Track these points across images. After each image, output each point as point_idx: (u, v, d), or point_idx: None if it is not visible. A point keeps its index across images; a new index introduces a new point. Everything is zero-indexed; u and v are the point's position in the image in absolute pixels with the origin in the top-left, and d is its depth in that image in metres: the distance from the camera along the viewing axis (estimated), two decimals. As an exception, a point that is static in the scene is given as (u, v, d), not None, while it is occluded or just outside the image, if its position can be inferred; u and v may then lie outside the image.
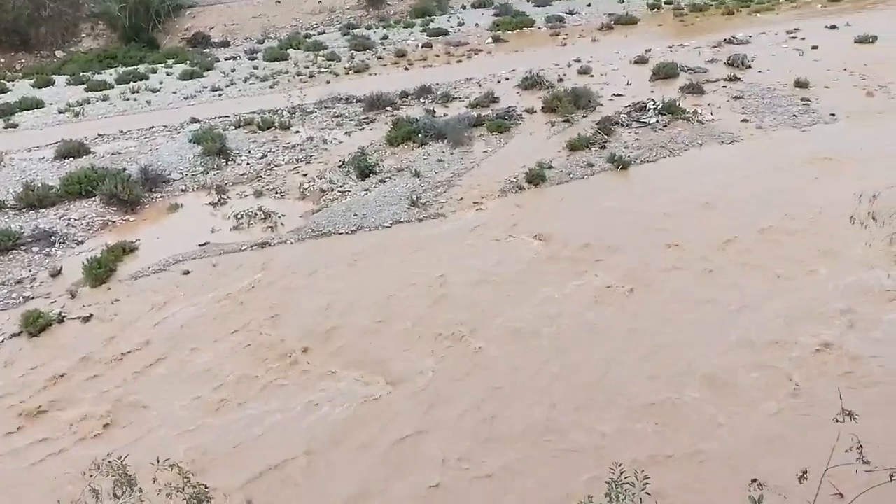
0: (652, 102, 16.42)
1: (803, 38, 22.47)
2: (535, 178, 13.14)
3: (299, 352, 8.47)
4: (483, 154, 14.87)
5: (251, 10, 35.35)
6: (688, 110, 15.93)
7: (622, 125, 15.64)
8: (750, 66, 19.42)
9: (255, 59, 27.37)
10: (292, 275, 10.41)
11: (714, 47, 22.26)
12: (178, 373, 8.29)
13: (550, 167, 13.62)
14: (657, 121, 15.60)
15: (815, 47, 21.13)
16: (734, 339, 8.06)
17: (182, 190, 14.08)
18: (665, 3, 32.74)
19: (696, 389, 7.30)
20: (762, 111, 15.88)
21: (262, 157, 15.40)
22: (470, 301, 9.34)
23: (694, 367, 7.65)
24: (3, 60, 31.69)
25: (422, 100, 19.21)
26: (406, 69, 24.39)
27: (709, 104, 16.56)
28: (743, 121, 15.45)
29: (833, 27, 23.86)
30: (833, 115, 15.28)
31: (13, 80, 26.94)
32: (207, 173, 14.65)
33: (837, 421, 4.41)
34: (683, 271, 9.65)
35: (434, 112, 17.81)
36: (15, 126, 20.17)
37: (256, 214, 12.36)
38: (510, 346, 8.34)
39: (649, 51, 22.31)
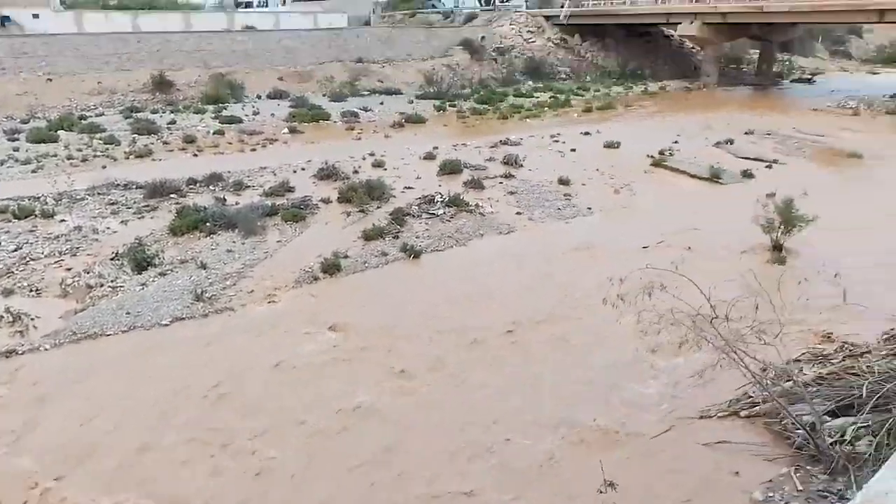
0: (439, 196, 17.59)
1: (564, 142, 25.86)
2: (331, 267, 13.18)
3: (49, 481, 7.28)
4: (277, 244, 14.64)
5: (15, 87, 31.93)
6: (471, 203, 17.29)
7: (414, 216, 16.46)
8: (522, 165, 21.79)
9: (17, 139, 24.54)
10: (46, 386, 9.08)
11: (492, 147, 24.68)
12: None
13: (346, 256, 13.78)
14: (444, 212, 16.68)
15: (573, 150, 24.40)
16: (517, 416, 8.55)
17: None
18: (450, 106, 35.81)
19: (473, 465, 7.56)
20: (533, 205, 17.77)
21: (15, 250, 13.58)
22: (258, 402, 8.85)
23: (470, 448, 7.94)
24: None
25: (212, 187, 18.59)
26: (195, 155, 23.56)
27: (488, 198, 18.15)
28: (517, 213, 17.12)
29: (587, 133, 27.83)
30: (590, 208, 17.58)
31: None
32: (-60, 270, 12.53)
33: (601, 492, 4.83)
34: (470, 357, 10.13)
35: (225, 200, 17.28)
36: None
37: (2, 317, 10.73)
38: (302, 452, 7.95)
39: (436, 148, 24.04)
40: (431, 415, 8.67)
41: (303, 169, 20.99)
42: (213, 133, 27.04)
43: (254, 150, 24.81)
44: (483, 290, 12.51)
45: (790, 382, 8.50)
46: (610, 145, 25.00)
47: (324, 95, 36.92)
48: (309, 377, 9.49)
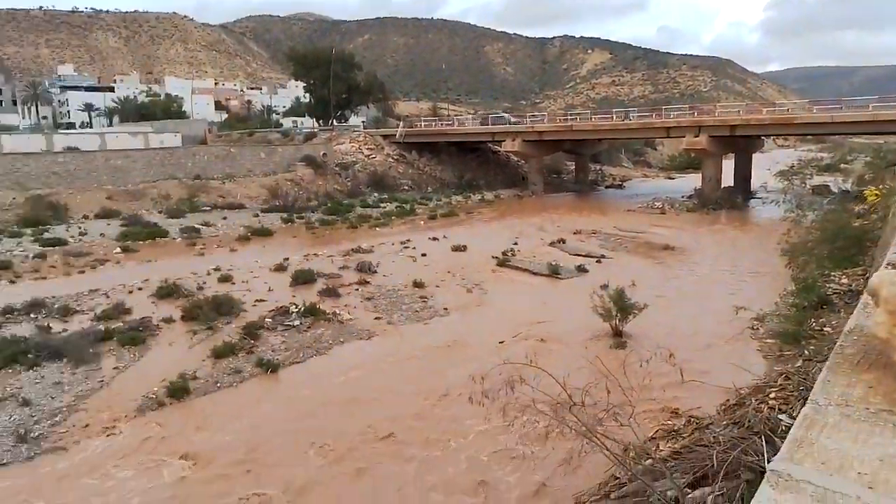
0: (294, 306, 17.20)
1: (414, 248, 26.78)
2: (178, 391, 12.16)
3: None
4: (114, 371, 13.32)
5: None
6: (328, 312, 17.07)
7: (268, 329, 15.86)
8: (376, 271, 22.13)
9: None
10: None
11: (344, 255, 24.89)
12: None
13: (195, 378, 12.83)
14: (301, 323, 16.28)
15: (424, 255, 25.30)
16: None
17: None
18: (297, 218, 35.88)
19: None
20: (390, 309, 17.95)
21: None
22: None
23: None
24: None
25: (33, 315, 16.72)
26: (12, 282, 21.21)
27: (345, 305, 18.06)
28: (376, 318, 17.16)
29: (435, 238, 29.10)
30: (446, 308, 18.09)
31: None
32: None
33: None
34: (336, 469, 9.65)
35: (49, 328, 15.58)
36: None
37: None
38: None
39: (287, 259, 23.76)
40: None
41: (139, 289, 19.65)
42: (34, 257, 24.64)
43: (82, 272, 22.85)
44: (348, 397, 12.17)
45: (650, 460, 9.04)
46: (457, 248, 26.27)
47: (160, 212, 35.41)
48: (162, 513, 8.48)
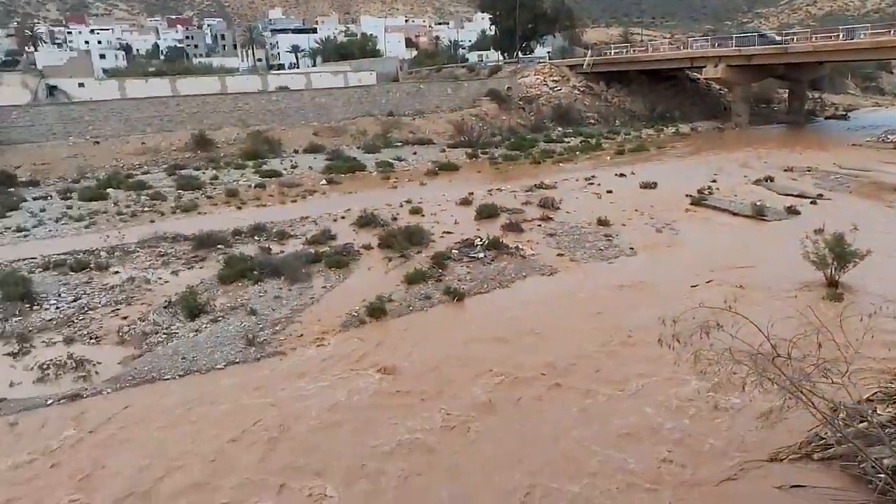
0: (479, 239, 17.70)
1: (599, 184, 25.97)
2: (376, 311, 13.26)
3: (115, 521, 7.32)
4: (322, 290, 14.81)
5: (65, 150, 33.43)
6: (511, 246, 17.34)
7: (454, 259, 16.55)
8: (559, 208, 21.89)
9: (70, 198, 25.59)
10: (109, 429, 9.21)
11: (527, 191, 24.89)
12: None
13: (390, 300, 13.85)
14: (485, 255, 16.74)
15: (609, 191, 24.46)
16: (571, 461, 8.36)
17: (-28, 341, 12.21)
18: (481, 153, 36.39)
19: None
20: (573, 246, 17.75)
21: (74, 301, 13.98)
22: (314, 443, 8.84)
23: (520, 492, 7.76)
24: None
25: (256, 238, 19.01)
26: (238, 208, 24.18)
27: (528, 240, 18.20)
28: (558, 255, 17.09)
29: (622, 175, 27.92)
30: (632, 248, 17.46)
31: None
32: (7, 321, 12.93)
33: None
34: (519, 399, 9.95)
35: (270, 249, 17.63)
36: None
37: (66, 364, 11.00)
38: (357, 489, 7.90)
39: (472, 194, 24.34)
40: (481, 455, 8.52)
41: (342, 217, 21.38)
42: (255, 187, 27.84)
43: (294, 201, 25.40)
44: (530, 331, 12.40)
45: (865, 423, 8.14)
46: (646, 186, 25.01)
47: (358, 148, 37.88)
48: (362, 418, 9.45)
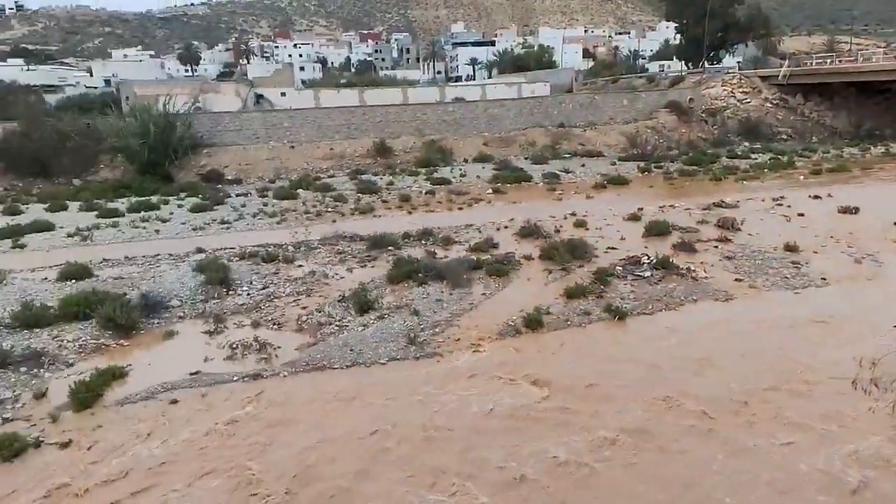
0: (646, 257, 16.93)
1: (789, 206, 23.67)
2: (533, 322, 13.21)
3: (281, 494, 8.00)
4: (481, 296, 15.05)
5: (265, 153, 37.37)
6: (681, 267, 16.37)
7: (618, 276, 15.99)
8: (740, 229, 20.27)
9: (266, 196, 28.57)
10: (283, 409, 10.11)
11: (704, 209, 23.38)
12: (153, 509, 7.78)
13: (548, 313, 13.73)
14: (652, 275, 15.97)
15: (801, 214, 22.20)
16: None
17: (180, 317, 14.07)
18: (655, 167, 34.84)
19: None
20: (754, 271, 16.32)
21: (263, 289, 15.56)
22: (466, 446, 9.00)
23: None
24: (21, 184, 32.89)
25: (423, 242, 19.82)
26: (409, 213, 25.39)
27: (701, 262, 17.07)
28: (736, 279, 15.82)
29: (816, 197, 25.22)
30: (824, 278, 15.68)
31: (27, 204, 27.83)
32: (207, 302, 14.73)
33: None
34: (684, 429, 9.40)
35: (435, 254, 18.30)
36: (22, 247, 20.54)
37: (252, 345, 12.26)
38: (508, 498, 7.92)
39: (641, 209, 23.38)
40: (636, 483, 8.11)
41: (506, 227, 21.59)
42: (425, 193, 29.11)
43: (461, 208, 26.14)
44: (696, 359, 11.61)
45: None
46: (846, 210, 22.36)
47: (525, 158, 38.08)
48: (513, 428, 9.45)
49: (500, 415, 9.83)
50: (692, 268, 16.43)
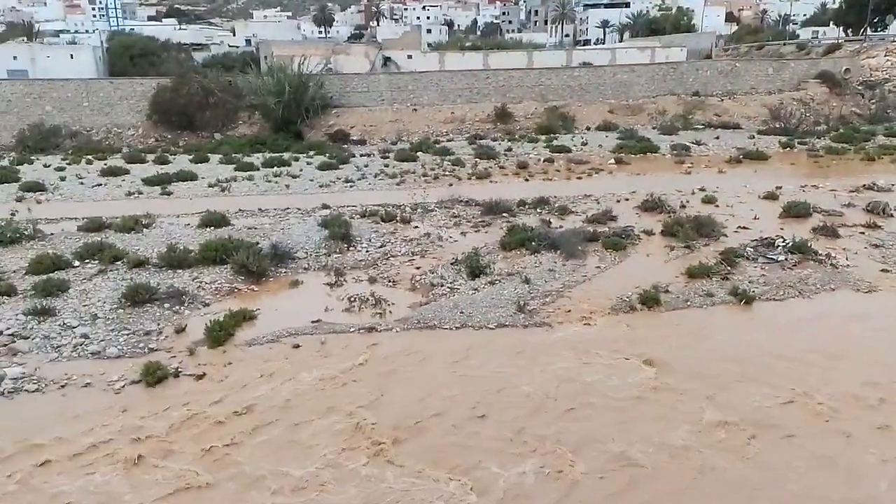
0: (781, 240, 15.75)
1: (955, 192, 21.06)
2: (650, 300, 12.75)
3: (389, 442, 8.38)
4: (596, 269, 14.72)
5: (389, 115, 38.22)
6: (820, 252, 15.11)
7: (747, 259, 15.03)
8: (892, 215, 18.33)
9: (387, 157, 29.32)
10: (393, 362, 10.53)
11: (851, 192, 21.32)
12: (275, 444, 8.42)
13: (667, 291, 13.20)
14: (786, 259, 14.87)
15: (971, 203, 19.69)
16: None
17: (304, 268, 14.91)
18: (799, 143, 32.08)
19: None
20: (907, 262, 14.76)
21: (380, 247, 16.12)
22: (572, 418, 8.96)
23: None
24: (169, 136, 35.90)
25: (538, 210, 19.59)
26: (526, 180, 25.12)
27: (844, 249, 15.65)
28: (882, 270, 14.39)
29: None
30: None
31: (175, 155, 30.36)
32: (329, 256, 15.48)
33: None
34: (807, 424, 8.79)
35: (550, 223, 18.04)
36: (169, 194, 22.53)
37: (368, 300, 12.80)
38: (609, 473, 7.83)
39: (780, 188, 21.70)
40: (751, 475, 7.71)
41: (626, 199, 20.83)
42: (544, 161, 28.62)
43: (579, 178, 25.50)
44: (829, 352, 10.77)
45: None
46: None
47: (653, 128, 36.36)
48: (621, 405, 9.28)
49: (606, 391, 9.66)
50: (832, 254, 15.12)
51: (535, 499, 7.42)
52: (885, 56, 44.52)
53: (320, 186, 23.63)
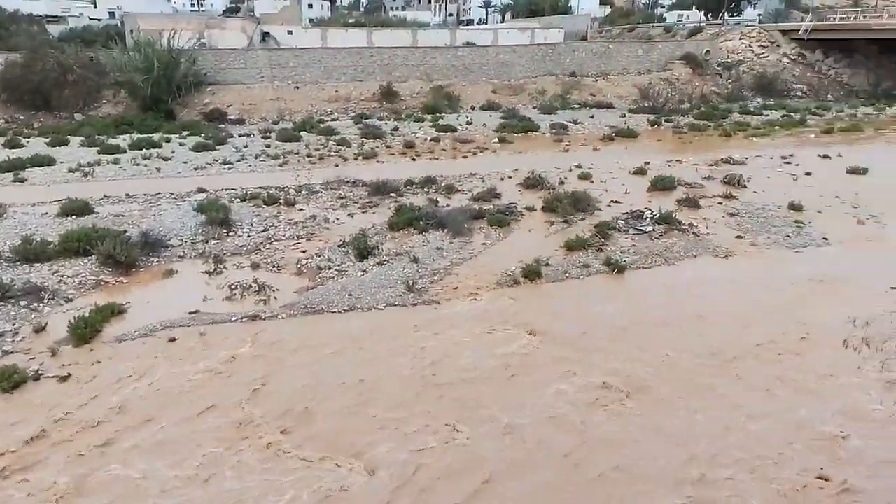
0: (649, 212, 16.83)
1: (797, 164, 23.36)
2: (532, 273, 13.23)
3: (276, 432, 8.19)
4: (482, 246, 15.05)
5: (270, 93, 36.77)
6: (684, 222, 16.29)
7: (619, 231, 15.93)
8: (745, 186, 20.07)
9: (269, 137, 28.24)
10: (279, 350, 10.24)
11: (711, 165, 23.09)
12: (153, 446, 7.96)
13: (547, 264, 13.74)
14: (653, 229, 15.91)
15: (808, 173, 21.93)
16: (723, 457, 7.84)
17: (180, 257, 14.12)
18: (665, 121, 34.26)
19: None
20: (756, 229, 16.24)
21: (263, 231, 15.56)
22: (459, 392, 9.15)
23: (679, 482, 7.40)
24: (22, 117, 32.57)
25: (426, 189, 19.68)
26: (413, 160, 25.14)
27: (704, 218, 16.97)
28: (737, 237, 15.76)
29: (826, 156, 24.86)
30: (826, 238, 15.62)
31: (29, 138, 27.59)
32: (207, 242, 14.75)
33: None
34: (675, 382, 9.51)
35: (437, 202, 18.19)
36: (23, 181, 20.49)
37: (251, 287, 12.34)
38: (499, 442, 8.09)
39: (648, 163, 23.10)
40: (627, 434, 8.26)
41: (510, 177, 21.39)
42: (430, 140, 28.74)
43: (465, 156, 25.86)
44: (693, 314, 11.70)
45: None
46: (854, 171, 22.07)
47: (534, 108, 37.43)
48: (506, 375, 9.59)
49: (492, 362, 9.95)
50: (694, 223, 16.35)
51: (429, 469, 7.53)
52: (740, 39, 48.39)
53: (195, 169, 22.41)
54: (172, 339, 10.48)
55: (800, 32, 47.89)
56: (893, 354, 6.39)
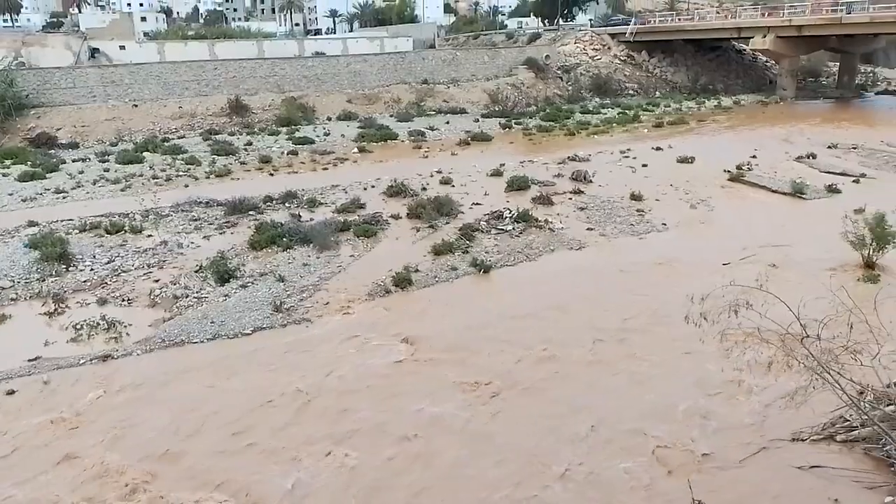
0: (508, 212, 17.55)
1: (635, 158, 25.41)
2: (402, 281, 13.31)
3: (145, 478, 7.57)
4: (350, 258, 14.90)
5: (104, 113, 34.02)
6: (540, 219, 17.16)
7: (482, 231, 16.46)
8: (591, 181, 21.51)
9: (107, 161, 26.12)
10: (137, 390, 9.49)
11: (559, 163, 24.51)
12: (-9, 512, 7.08)
13: (417, 271, 13.88)
14: (513, 228, 16.61)
15: (645, 165, 23.94)
16: (592, 436, 8.34)
17: (12, 299, 12.69)
18: (515, 124, 35.89)
19: (557, 484, 7.40)
20: (604, 221, 17.47)
21: (108, 263, 14.36)
22: (338, 410, 8.98)
23: (553, 464, 7.78)
24: None
25: (287, 205, 19.16)
26: (271, 175, 24.38)
27: (558, 214, 17.98)
28: (588, 229, 16.86)
29: (658, 148, 27.26)
30: (665, 224, 17.13)
31: None
32: (44, 281, 13.36)
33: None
34: (543, 372, 9.97)
35: (300, 217, 17.77)
36: None
37: (99, 325, 11.35)
38: (383, 454, 8.02)
39: (503, 165, 24.07)
40: (503, 428, 8.55)
41: (373, 186, 21.38)
42: (287, 153, 28.00)
43: (325, 168, 25.50)
44: (555, 305, 12.34)
45: (892, 407, 7.98)
46: (683, 160, 24.41)
47: (391, 116, 37.70)
48: (384, 386, 9.56)
49: (371, 375, 9.89)
50: (549, 220, 17.27)
51: (318, 496, 7.31)
52: (575, 43, 51.81)
53: (23, 200, 20.22)
54: (11, 392, 9.38)
55: (626, 35, 52.18)
56: (728, 325, 7.12)
